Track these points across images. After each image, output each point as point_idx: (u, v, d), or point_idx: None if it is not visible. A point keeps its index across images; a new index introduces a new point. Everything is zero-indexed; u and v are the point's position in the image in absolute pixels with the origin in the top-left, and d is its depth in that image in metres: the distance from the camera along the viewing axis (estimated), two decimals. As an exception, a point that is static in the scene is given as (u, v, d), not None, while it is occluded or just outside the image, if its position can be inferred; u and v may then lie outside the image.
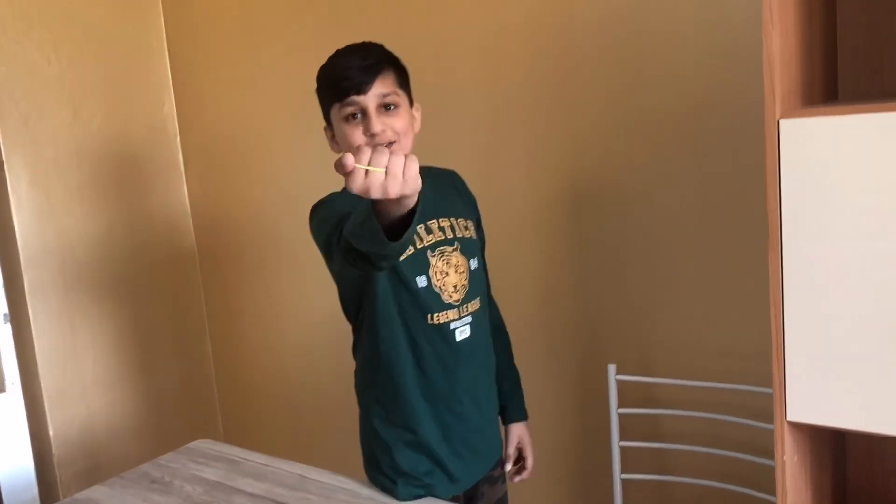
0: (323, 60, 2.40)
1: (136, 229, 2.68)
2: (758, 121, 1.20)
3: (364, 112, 1.43)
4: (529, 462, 1.73)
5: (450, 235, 1.53)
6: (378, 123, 1.42)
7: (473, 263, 1.55)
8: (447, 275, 1.51)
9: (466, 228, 1.56)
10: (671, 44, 1.77)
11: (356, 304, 1.53)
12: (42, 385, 2.45)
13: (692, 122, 1.77)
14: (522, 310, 2.04)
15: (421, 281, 1.48)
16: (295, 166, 2.52)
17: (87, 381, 2.56)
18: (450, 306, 1.50)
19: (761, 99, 1.15)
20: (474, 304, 1.55)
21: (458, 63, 2.08)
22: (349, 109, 1.44)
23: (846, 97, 1.44)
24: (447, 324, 1.50)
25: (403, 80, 1.50)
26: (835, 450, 1.50)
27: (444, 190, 1.59)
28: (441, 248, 1.51)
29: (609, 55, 1.85)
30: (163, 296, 2.77)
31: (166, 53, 2.77)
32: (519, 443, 1.71)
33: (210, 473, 1.69)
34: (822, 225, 1.14)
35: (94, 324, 2.58)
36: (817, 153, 1.12)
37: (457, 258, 1.52)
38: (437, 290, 1.49)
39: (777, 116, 1.14)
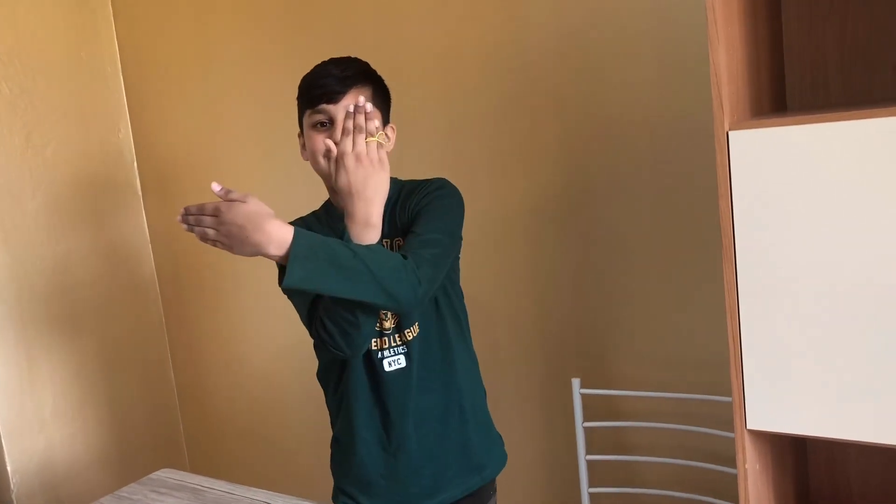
0: (280, 84, 2.41)
1: (94, 257, 2.64)
2: (710, 133, 1.21)
3: (332, 121, 1.43)
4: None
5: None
6: (341, 133, 1.40)
7: None
8: None
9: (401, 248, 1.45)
10: (624, 58, 1.79)
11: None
12: (0, 419, 2.39)
13: (646, 136, 1.79)
14: (485, 327, 2.04)
15: None
16: (255, 189, 2.50)
17: (47, 413, 2.50)
18: (379, 334, 1.46)
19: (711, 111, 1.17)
20: (411, 332, 1.48)
21: (416, 81, 2.08)
22: (318, 117, 1.44)
23: (794, 108, 1.47)
24: (376, 353, 1.47)
25: (380, 98, 1.50)
26: (797, 457, 1.51)
27: (401, 209, 1.49)
28: None
29: (564, 71, 1.87)
30: (123, 324, 2.72)
31: (121, 78, 2.74)
32: None
33: (172, 503, 1.66)
34: (775, 233, 1.15)
35: (53, 355, 2.52)
36: (767, 163, 1.14)
37: None
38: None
39: (726, 128, 1.16)
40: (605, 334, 1.93)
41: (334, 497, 1.63)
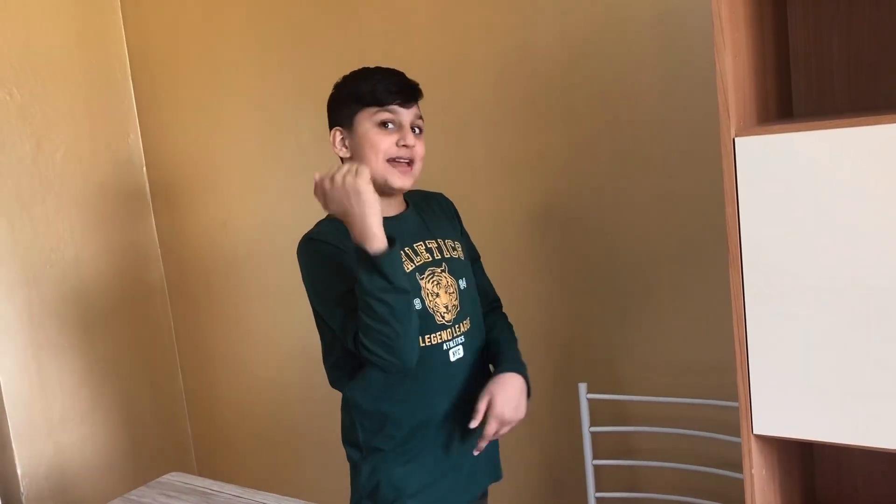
0: (288, 89, 2.42)
1: (103, 262, 2.65)
2: (716, 139, 1.22)
3: (400, 125, 1.48)
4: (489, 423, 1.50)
5: (437, 256, 1.52)
6: (412, 137, 1.48)
7: (462, 283, 1.55)
8: (438, 295, 1.50)
9: (454, 249, 1.56)
10: (631, 65, 1.79)
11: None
12: (9, 423, 2.40)
13: (653, 142, 1.79)
14: (493, 332, 2.05)
15: (415, 304, 1.45)
16: (263, 195, 2.52)
17: (56, 417, 2.51)
18: (443, 327, 1.49)
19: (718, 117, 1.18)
20: (464, 325, 1.53)
21: (423, 86, 2.09)
22: (386, 116, 1.47)
23: (800, 114, 1.47)
24: (440, 345, 1.49)
25: None
26: (803, 462, 1.51)
27: (429, 213, 1.60)
28: (429, 269, 1.50)
29: (571, 77, 1.88)
30: (132, 329, 2.74)
31: (131, 84, 2.76)
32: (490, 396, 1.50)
33: (181, 507, 1.67)
34: (781, 239, 1.16)
35: (62, 359, 2.54)
36: (773, 169, 1.15)
37: (446, 279, 1.52)
38: (430, 311, 1.48)
39: (732, 135, 1.17)
40: (611, 339, 1.93)
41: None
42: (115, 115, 2.71)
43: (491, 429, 1.47)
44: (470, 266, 1.62)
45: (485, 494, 1.68)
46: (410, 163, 1.48)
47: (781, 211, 1.15)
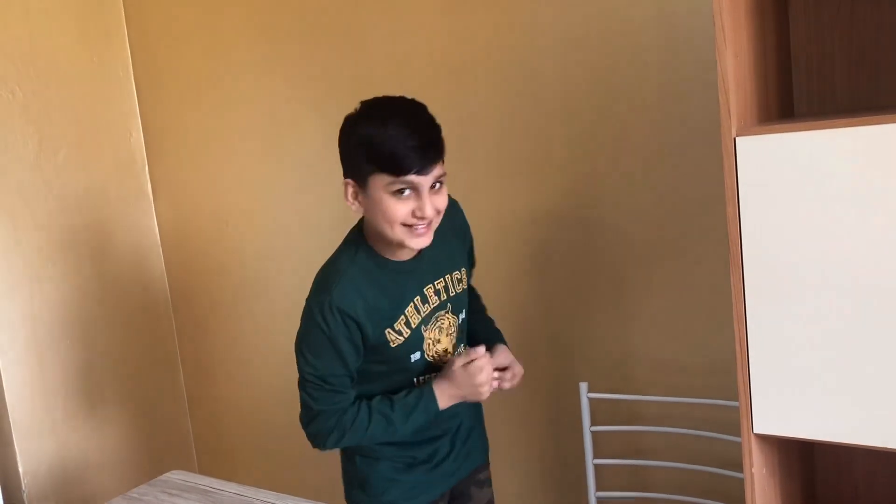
0: (290, 90, 2.42)
1: (105, 261, 2.66)
2: (717, 139, 1.22)
3: (416, 190, 1.35)
4: (517, 368, 1.61)
5: (444, 297, 1.52)
6: (430, 207, 1.36)
7: (461, 316, 1.58)
8: (439, 342, 1.53)
9: (460, 281, 1.56)
10: (632, 65, 1.79)
11: None
12: (11, 421, 2.41)
13: (654, 142, 1.80)
14: (494, 331, 2.05)
15: (414, 356, 1.49)
16: (265, 195, 2.52)
17: (58, 415, 2.52)
18: (439, 366, 1.54)
19: (719, 117, 1.18)
20: (457, 350, 1.58)
21: (424, 88, 2.09)
22: (401, 186, 1.35)
23: (801, 114, 1.47)
24: (425, 376, 1.54)
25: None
26: (804, 462, 1.51)
27: (442, 238, 1.49)
28: (435, 315, 1.51)
29: (572, 77, 1.88)
30: (134, 327, 2.74)
31: (133, 83, 2.76)
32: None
33: (182, 505, 1.67)
34: (782, 238, 1.16)
35: (64, 358, 2.54)
36: (774, 169, 1.15)
37: (448, 320, 1.54)
38: (429, 359, 1.52)
39: (733, 134, 1.17)
40: (612, 339, 1.94)
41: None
42: (117, 114, 2.71)
43: (514, 370, 1.57)
44: (468, 289, 1.64)
45: (480, 470, 1.71)
46: (429, 223, 1.39)
47: (782, 210, 1.15)
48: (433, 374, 1.53)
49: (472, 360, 1.46)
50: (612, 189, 1.87)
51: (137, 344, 2.75)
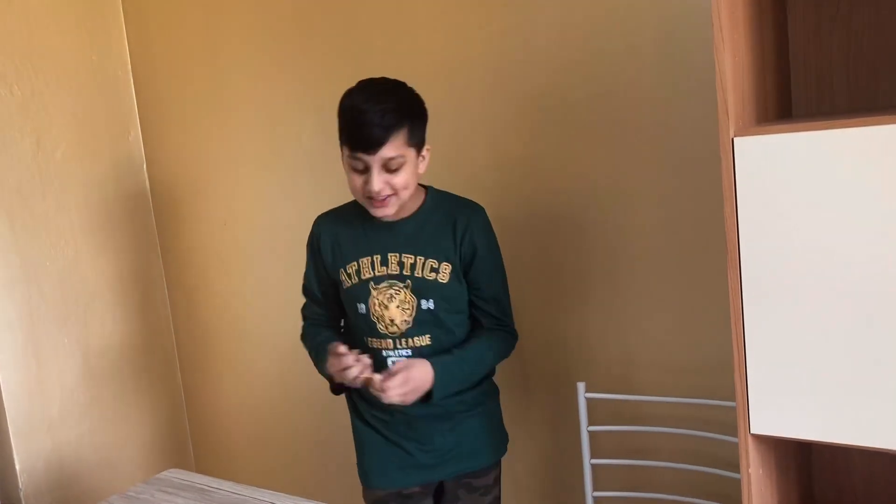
0: (289, 89, 2.42)
1: (103, 260, 2.65)
2: (715, 139, 1.22)
3: (366, 168, 1.51)
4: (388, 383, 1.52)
5: (406, 272, 1.59)
6: (377, 183, 1.50)
7: (425, 304, 1.59)
8: (386, 308, 1.59)
9: (433, 270, 1.60)
10: (630, 65, 1.79)
11: None
12: (8, 418, 2.40)
13: (652, 142, 1.79)
14: (492, 330, 2.05)
15: (361, 308, 1.61)
16: (264, 194, 2.52)
17: (55, 414, 2.52)
18: (385, 336, 1.60)
19: (717, 117, 1.18)
20: (420, 340, 1.60)
21: (424, 87, 2.09)
22: (355, 163, 1.52)
23: (799, 115, 1.47)
24: (380, 350, 1.61)
25: (416, 130, 1.55)
26: (801, 462, 1.51)
27: (434, 225, 1.62)
28: (390, 281, 1.59)
29: (570, 77, 1.88)
30: (131, 326, 2.74)
31: (132, 82, 2.76)
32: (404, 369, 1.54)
33: (180, 503, 1.67)
34: (779, 239, 1.16)
35: (61, 356, 2.54)
36: (772, 170, 1.15)
37: (404, 294, 1.59)
38: (373, 319, 1.60)
39: (731, 135, 1.17)
40: (609, 338, 1.94)
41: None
42: (116, 113, 2.71)
43: (377, 386, 1.51)
44: (453, 289, 1.62)
45: (475, 476, 1.73)
46: (386, 198, 1.53)
47: (780, 211, 1.15)
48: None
49: (347, 357, 1.51)
50: (609, 189, 1.87)
51: (135, 342, 2.75)
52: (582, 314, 1.97)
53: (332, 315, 1.76)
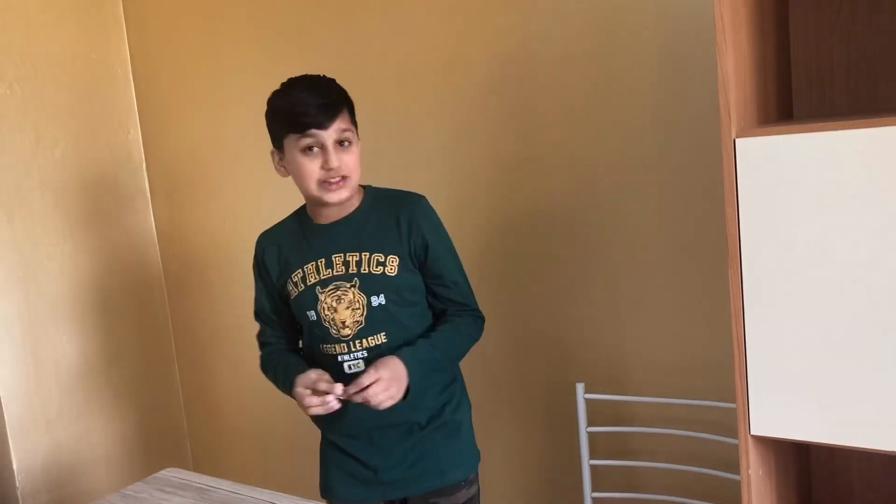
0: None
1: (101, 257, 2.65)
2: (716, 139, 1.22)
3: (322, 146, 1.52)
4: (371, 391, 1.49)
5: (352, 271, 1.56)
6: (336, 159, 1.51)
7: (376, 300, 1.55)
8: (335, 310, 1.56)
9: (379, 264, 1.56)
10: (631, 65, 1.79)
11: None
12: (5, 417, 2.40)
13: (653, 142, 1.79)
14: (489, 331, 2.04)
15: (311, 315, 1.59)
16: (261, 191, 2.52)
17: (52, 412, 2.51)
18: (339, 340, 1.57)
19: (718, 118, 1.18)
20: (375, 339, 1.56)
21: (422, 87, 2.10)
22: (308, 142, 1.52)
23: (801, 116, 1.47)
24: (336, 356, 1.58)
25: (353, 116, 1.59)
26: (800, 464, 1.51)
27: (375, 221, 1.59)
28: (336, 283, 1.57)
29: (570, 77, 1.88)
30: (129, 324, 2.74)
31: (131, 80, 2.75)
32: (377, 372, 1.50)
33: (177, 503, 1.67)
34: (780, 240, 1.16)
35: (59, 355, 2.53)
36: (773, 170, 1.15)
37: (353, 294, 1.55)
38: (325, 324, 1.57)
39: (733, 136, 1.17)
40: (609, 339, 1.94)
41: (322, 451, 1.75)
42: (115, 111, 2.71)
43: (357, 399, 1.48)
44: (403, 280, 1.57)
45: (440, 494, 1.66)
46: (343, 178, 1.53)
47: (781, 212, 1.15)
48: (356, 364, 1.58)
49: (322, 383, 1.51)
50: (610, 189, 1.87)
51: (133, 341, 2.74)
52: (581, 315, 1.97)
53: (289, 337, 1.74)
